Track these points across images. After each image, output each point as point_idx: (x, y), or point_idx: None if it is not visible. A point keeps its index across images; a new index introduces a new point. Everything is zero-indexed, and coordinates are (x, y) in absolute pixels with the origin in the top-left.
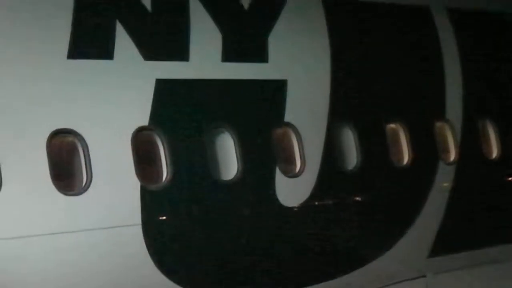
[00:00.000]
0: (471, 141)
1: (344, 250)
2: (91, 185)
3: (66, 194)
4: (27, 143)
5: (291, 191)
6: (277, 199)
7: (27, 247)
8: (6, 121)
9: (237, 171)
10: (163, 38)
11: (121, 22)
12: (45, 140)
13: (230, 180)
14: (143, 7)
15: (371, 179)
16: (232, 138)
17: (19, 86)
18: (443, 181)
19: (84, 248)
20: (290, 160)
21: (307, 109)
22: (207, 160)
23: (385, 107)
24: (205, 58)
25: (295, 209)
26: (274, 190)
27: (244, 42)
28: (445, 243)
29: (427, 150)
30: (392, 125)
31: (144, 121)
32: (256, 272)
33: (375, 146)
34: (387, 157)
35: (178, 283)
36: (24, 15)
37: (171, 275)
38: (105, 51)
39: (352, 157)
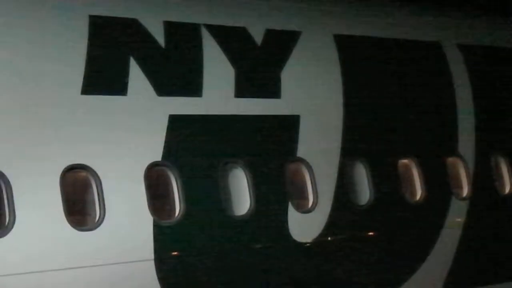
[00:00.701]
0: (483, 176)
1: (356, 286)
2: (104, 220)
3: (79, 229)
4: (41, 179)
5: (304, 226)
6: (289, 234)
7: (41, 282)
8: (19, 157)
9: (250, 206)
10: (176, 74)
11: (134, 58)
12: (59, 176)
13: (243, 215)
14: (156, 43)
15: (383, 214)
16: (245, 173)
17: (34, 121)
18: (456, 217)
19: (97, 283)
20: (303, 195)
21: (319, 145)
22: (220, 196)
23: (397, 143)
24: (218, 94)
25: (308, 244)
26: (287, 225)
27: (257, 78)
28: (458, 278)
29: (440, 185)
30: (405, 161)
31: (157, 156)
32: None
33: (388, 181)
34: (399, 192)
35: None
36: (38, 52)
37: None
38: (118, 87)
39: (364, 192)
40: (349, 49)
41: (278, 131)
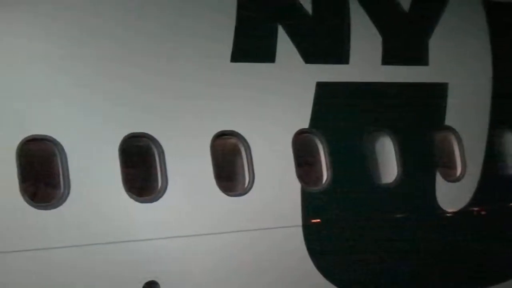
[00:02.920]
0: None
1: (503, 257)
2: (253, 186)
3: (229, 195)
4: (192, 145)
5: (452, 195)
6: (437, 204)
7: (190, 246)
8: (172, 123)
9: (397, 175)
10: (324, 41)
11: (282, 25)
12: (210, 142)
13: (390, 184)
14: (304, 10)
15: None
16: (392, 141)
17: (185, 89)
18: None
19: (245, 248)
20: (451, 164)
21: (468, 113)
22: (367, 163)
23: None
24: (365, 61)
25: (455, 214)
26: (434, 194)
27: (404, 45)
28: None
29: None
30: None
31: (305, 123)
32: (414, 277)
33: None
34: None
35: (338, 286)
36: (190, 21)
37: (332, 277)
38: (267, 54)
39: None
40: (498, 15)
41: (426, 99)
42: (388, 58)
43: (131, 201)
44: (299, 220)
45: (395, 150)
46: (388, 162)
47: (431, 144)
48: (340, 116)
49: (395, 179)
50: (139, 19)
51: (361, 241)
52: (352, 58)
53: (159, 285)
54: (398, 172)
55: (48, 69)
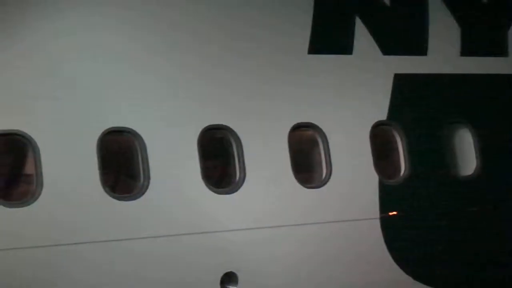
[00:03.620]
0: None
1: None
2: (331, 178)
3: (306, 187)
4: (269, 137)
5: None
6: None
7: (269, 238)
8: (249, 115)
9: (476, 167)
10: (402, 33)
11: (360, 17)
12: (287, 134)
13: (469, 176)
14: (381, 2)
15: None
16: (471, 133)
17: (263, 82)
18: None
19: (322, 240)
20: None
21: None
22: (445, 155)
23: None
24: (444, 53)
25: None
26: None
27: (483, 36)
28: None
29: None
30: None
31: (383, 115)
32: (492, 270)
33: None
34: None
35: (416, 278)
36: (267, 14)
37: (409, 270)
38: (344, 46)
39: None
40: None
41: (506, 90)
42: (467, 49)
43: (210, 192)
44: (377, 213)
45: (473, 142)
46: (467, 154)
47: (511, 135)
48: (418, 108)
49: (474, 171)
50: (218, 15)
51: (439, 233)
52: (430, 49)
53: (237, 276)
54: (477, 164)
55: (128, 62)
